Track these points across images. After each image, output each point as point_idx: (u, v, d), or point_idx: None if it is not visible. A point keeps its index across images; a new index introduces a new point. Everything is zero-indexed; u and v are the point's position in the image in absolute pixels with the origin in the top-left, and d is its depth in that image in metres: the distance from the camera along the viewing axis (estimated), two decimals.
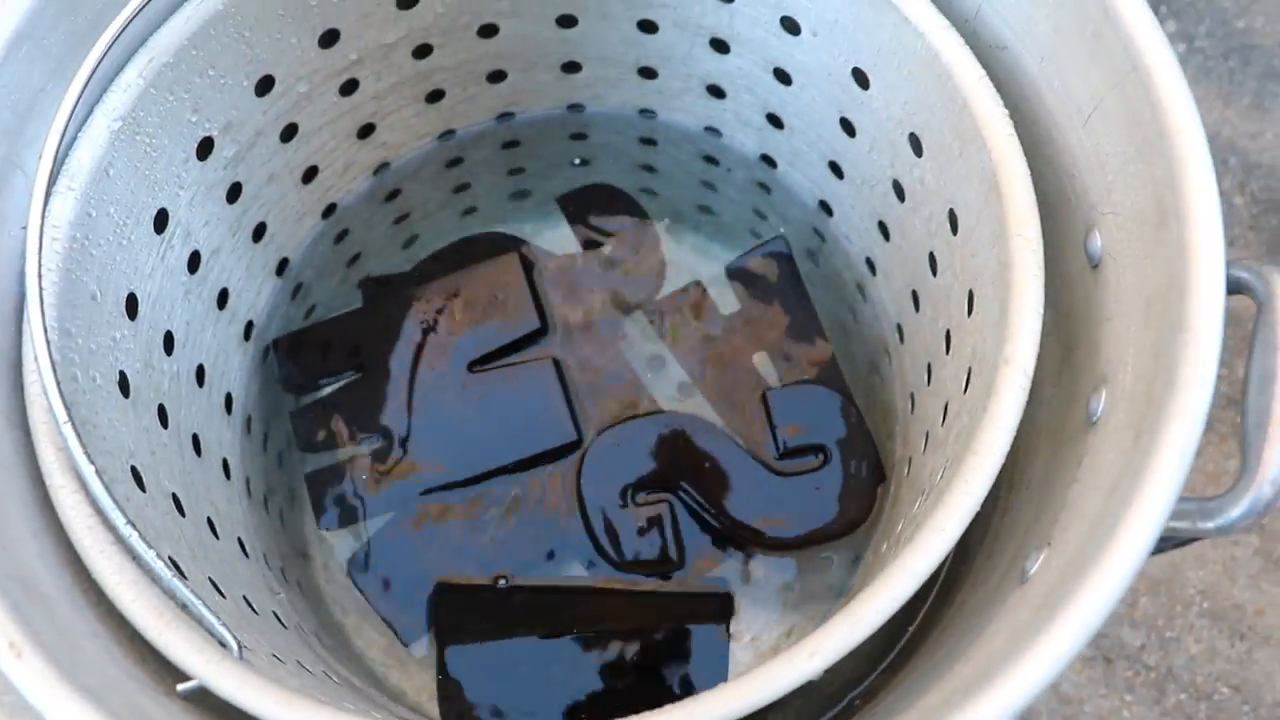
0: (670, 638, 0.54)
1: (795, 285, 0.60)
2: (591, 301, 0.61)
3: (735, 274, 0.61)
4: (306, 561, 0.59)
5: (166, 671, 0.38)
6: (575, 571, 0.57)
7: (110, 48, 0.42)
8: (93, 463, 0.38)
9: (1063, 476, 0.42)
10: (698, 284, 0.61)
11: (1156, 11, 1.04)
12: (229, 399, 0.55)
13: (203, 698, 0.38)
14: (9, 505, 0.37)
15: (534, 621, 0.55)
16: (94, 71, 0.42)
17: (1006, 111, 0.44)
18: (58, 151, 0.41)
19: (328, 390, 0.60)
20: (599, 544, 0.56)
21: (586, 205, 0.63)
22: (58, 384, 0.38)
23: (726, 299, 0.61)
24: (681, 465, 0.56)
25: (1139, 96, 0.39)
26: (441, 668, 0.55)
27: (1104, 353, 0.42)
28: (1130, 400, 0.39)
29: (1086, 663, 0.91)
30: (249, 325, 0.57)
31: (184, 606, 0.38)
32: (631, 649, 0.54)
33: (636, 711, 0.35)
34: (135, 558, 0.38)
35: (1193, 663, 0.91)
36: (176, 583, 0.38)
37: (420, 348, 0.59)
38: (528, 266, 0.60)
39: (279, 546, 0.57)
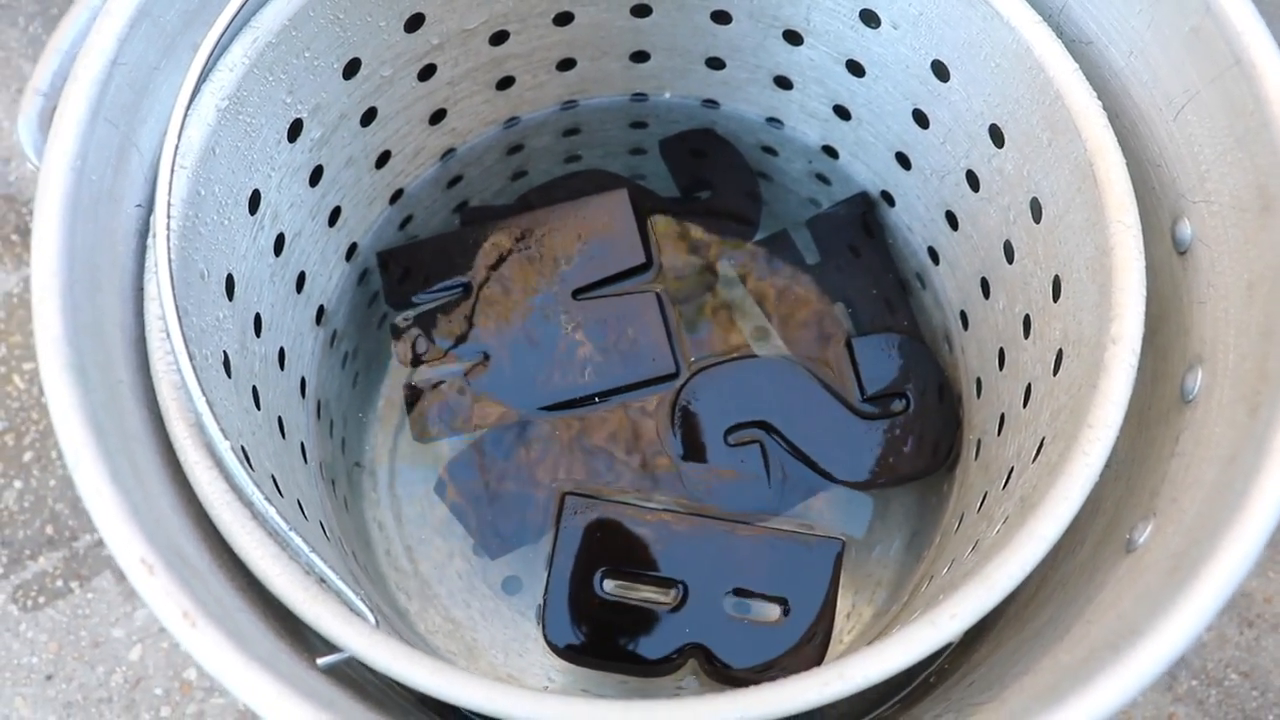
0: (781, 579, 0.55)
1: (877, 238, 0.62)
2: (688, 244, 0.63)
3: (816, 227, 0.62)
4: (369, 547, 0.60)
5: (302, 647, 0.38)
6: (667, 498, 0.58)
7: (228, 27, 0.42)
8: (227, 438, 0.38)
9: (1156, 451, 0.44)
10: (784, 233, 0.63)
11: None
12: (303, 383, 0.55)
13: (337, 671, 0.38)
14: (151, 481, 0.37)
15: (651, 547, 0.56)
16: (214, 51, 0.42)
17: (1100, 104, 0.45)
18: (181, 129, 0.41)
19: (427, 305, 0.61)
20: (690, 475, 0.58)
21: (687, 153, 0.65)
22: (192, 362, 0.38)
23: (810, 251, 0.63)
24: (772, 406, 0.58)
25: (1241, 89, 0.41)
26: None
27: (1196, 334, 0.44)
28: (1236, 377, 0.40)
29: None
30: (320, 310, 0.57)
31: (321, 580, 0.38)
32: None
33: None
34: (272, 534, 0.38)
35: (1203, 650, 0.94)
36: (314, 557, 0.38)
37: (526, 271, 0.60)
38: (635, 202, 0.61)
39: (346, 531, 0.57)
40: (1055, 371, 0.47)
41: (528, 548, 0.58)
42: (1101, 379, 0.41)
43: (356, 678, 0.40)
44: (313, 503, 0.52)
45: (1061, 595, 0.45)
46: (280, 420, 0.51)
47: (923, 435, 0.58)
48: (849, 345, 0.59)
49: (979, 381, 0.57)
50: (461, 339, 0.60)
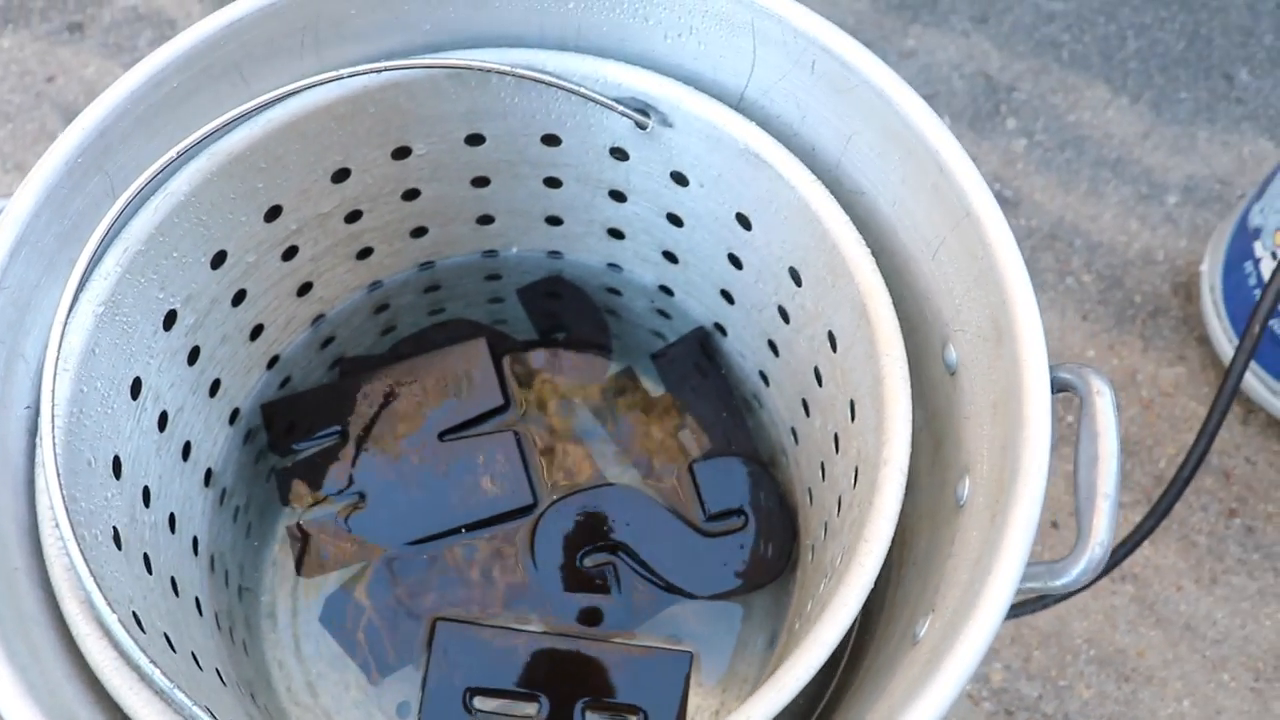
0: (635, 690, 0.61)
1: (714, 370, 0.69)
2: (545, 384, 0.69)
3: (660, 361, 0.69)
4: (270, 687, 0.64)
5: None
6: (529, 619, 0.64)
7: (99, 247, 0.48)
8: (114, 610, 0.43)
9: (940, 552, 0.51)
10: (629, 370, 0.70)
11: (998, 110, 1.18)
12: (195, 541, 0.61)
13: None
14: (46, 657, 0.42)
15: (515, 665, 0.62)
16: (87, 269, 0.48)
17: (869, 251, 0.52)
18: (61, 339, 0.47)
19: (308, 452, 0.67)
20: (549, 598, 0.64)
21: (542, 296, 0.72)
22: (78, 544, 0.44)
23: (654, 383, 0.70)
24: (623, 530, 0.65)
25: (972, 236, 0.48)
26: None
27: (965, 446, 0.51)
28: (987, 486, 0.47)
29: (990, 717, 1.00)
30: (209, 472, 0.63)
31: None
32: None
33: None
34: (159, 692, 0.43)
35: (1086, 707, 1.00)
36: (197, 710, 0.43)
37: (396, 417, 0.67)
38: (494, 349, 0.68)
39: (246, 674, 0.62)
40: (854, 485, 0.54)
41: (412, 670, 0.63)
42: (875, 496, 0.47)
43: None
44: (208, 652, 0.57)
45: (869, 686, 0.51)
46: (173, 580, 0.56)
47: (761, 547, 0.64)
48: (690, 469, 0.66)
49: (810, 491, 0.63)
50: (339, 481, 0.66)
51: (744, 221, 0.59)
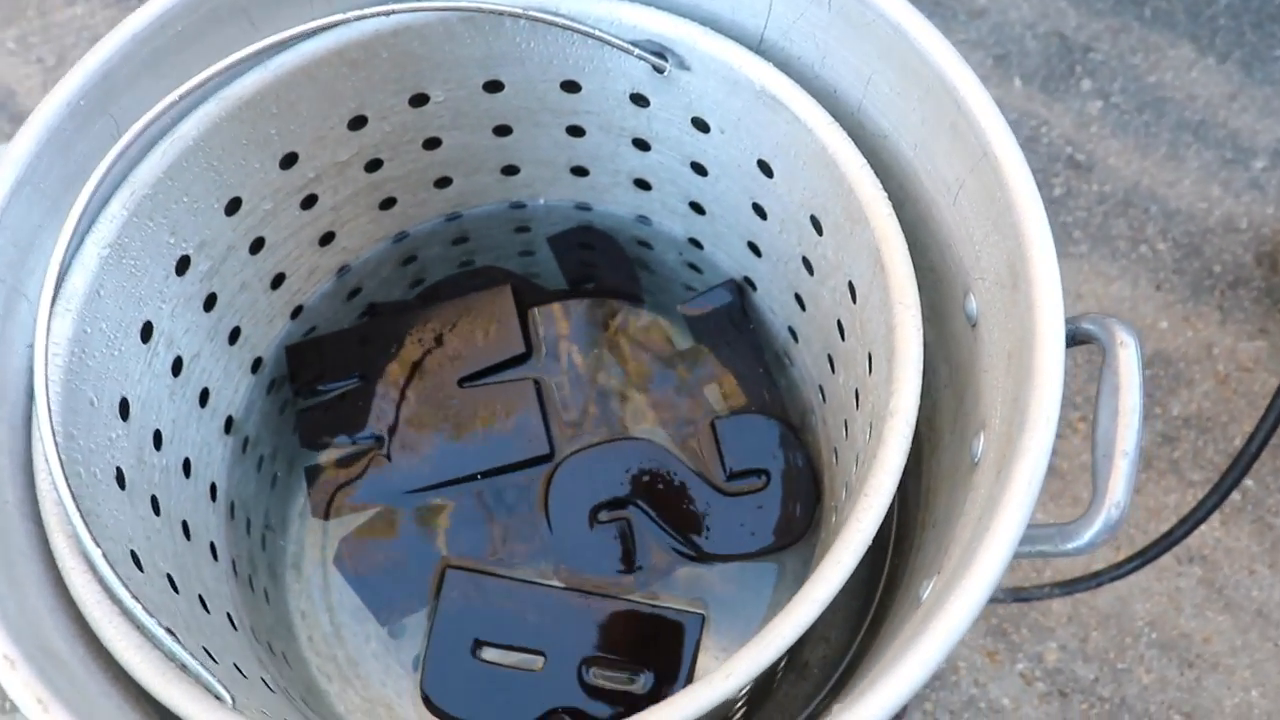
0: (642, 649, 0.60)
1: (744, 325, 0.67)
2: (572, 333, 0.68)
3: (689, 314, 0.68)
4: (291, 635, 0.64)
5: None
6: (542, 574, 0.63)
7: (97, 188, 0.48)
8: (99, 546, 0.43)
9: (954, 512, 0.48)
10: (657, 322, 0.69)
11: (1072, 71, 1.13)
12: (213, 488, 0.61)
13: None
14: (28, 587, 0.43)
15: (524, 615, 0.61)
16: (85, 209, 0.48)
17: (885, 194, 0.50)
18: (57, 279, 0.47)
19: (331, 394, 0.67)
20: (562, 551, 0.63)
21: (574, 246, 0.71)
22: (66, 480, 0.44)
23: (682, 336, 0.69)
24: (640, 485, 0.63)
25: (990, 178, 0.46)
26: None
27: (984, 401, 0.48)
28: (998, 441, 0.45)
29: (1043, 698, 0.96)
30: (229, 420, 0.63)
31: (183, 667, 0.43)
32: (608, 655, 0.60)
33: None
34: (139, 626, 0.43)
35: (1145, 692, 0.96)
36: (175, 645, 0.43)
37: (417, 362, 0.67)
38: (519, 297, 0.68)
39: (264, 621, 0.62)
40: (868, 440, 0.51)
41: (424, 618, 0.63)
42: (880, 449, 0.45)
43: None
44: (220, 596, 0.57)
45: (875, 653, 0.49)
46: (185, 524, 0.56)
47: (782, 509, 0.62)
48: (713, 426, 0.64)
49: (836, 451, 0.61)
50: (358, 424, 0.66)
51: (765, 168, 0.57)
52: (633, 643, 0.60)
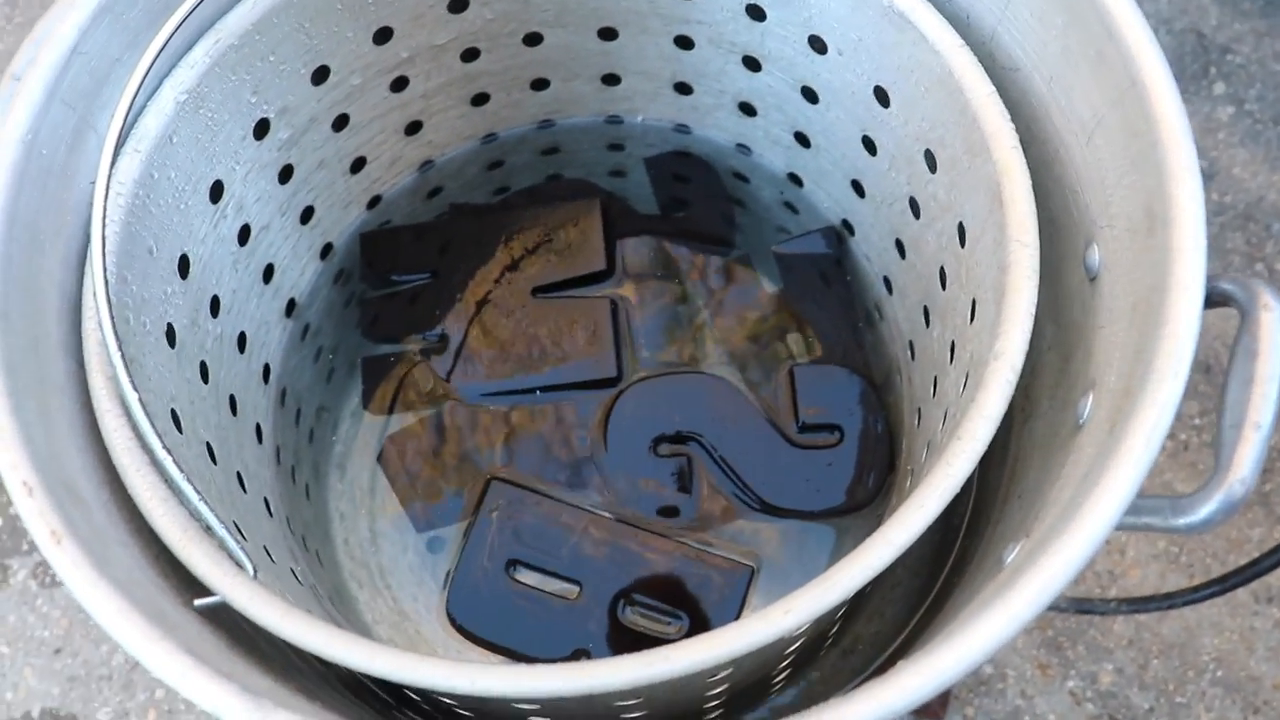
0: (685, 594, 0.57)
1: (837, 273, 0.63)
2: (655, 258, 0.65)
3: (781, 256, 0.64)
4: (327, 536, 0.62)
5: (186, 588, 0.40)
6: (590, 501, 0.60)
7: (180, 25, 0.46)
8: (136, 390, 0.41)
9: (1048, 478, 0.44)
10: (747, 260, 0.65)
11: (1206, 74, 1.07)
12: (267, 369, 0.59)
13: (216, 615, 0.40)
14: (59, 423, 0.40)
15: (565, 540, 0.58)
16: (164, 46, 0.45)
17: (1012, 125, 0.46)
18: (127, 116, 0.45)
19: (401, 287, 0.64)
20: (615, 480, 0.60)
21: (670, 174, 0.67)
22: (111, 319, 0.41)
23: (770, 280, 0.65)
24: (706, 423, 0.60)
25: (1136, 110, 0.42)
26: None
27: (1095, 359, 0.44)
28: (1112, 398, 0.41)
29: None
30: (291, 303, 0.60)
31: (207, 529, 0.41)
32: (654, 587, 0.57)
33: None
34: (167, 480, 0.41)
35: None
36: (202, 506, 0.41)
37: (493, 266, 0.64)
38: (607, 214, 0.64)
39: (302, 516, 0.60)
40: (962, 393, 0.48)
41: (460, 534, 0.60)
42: (979, 393, 0.41)
43: (247, 630, 0.42)
44: (259, 479, 0.55)
45: (945, 618, 0.46)
46: (233, 399, 0.54)
47: (851, 471, 0.58)
48: (790, 373, 0.60)
49: (919, 411, 0.57)
50: (423, 322, 0.63)
51: (882, 97, 0.53)
52: (676, 586, 0.57)
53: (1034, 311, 0.43)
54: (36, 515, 0.36)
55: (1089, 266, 0.46)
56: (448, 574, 0.60)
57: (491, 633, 0.58)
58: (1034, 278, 0.43)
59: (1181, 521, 0.39)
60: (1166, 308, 0.38)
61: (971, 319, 0.48)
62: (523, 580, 0.58)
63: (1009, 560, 0.41)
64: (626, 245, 0.65)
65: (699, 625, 0.57)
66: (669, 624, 0.57)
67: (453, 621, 0.58)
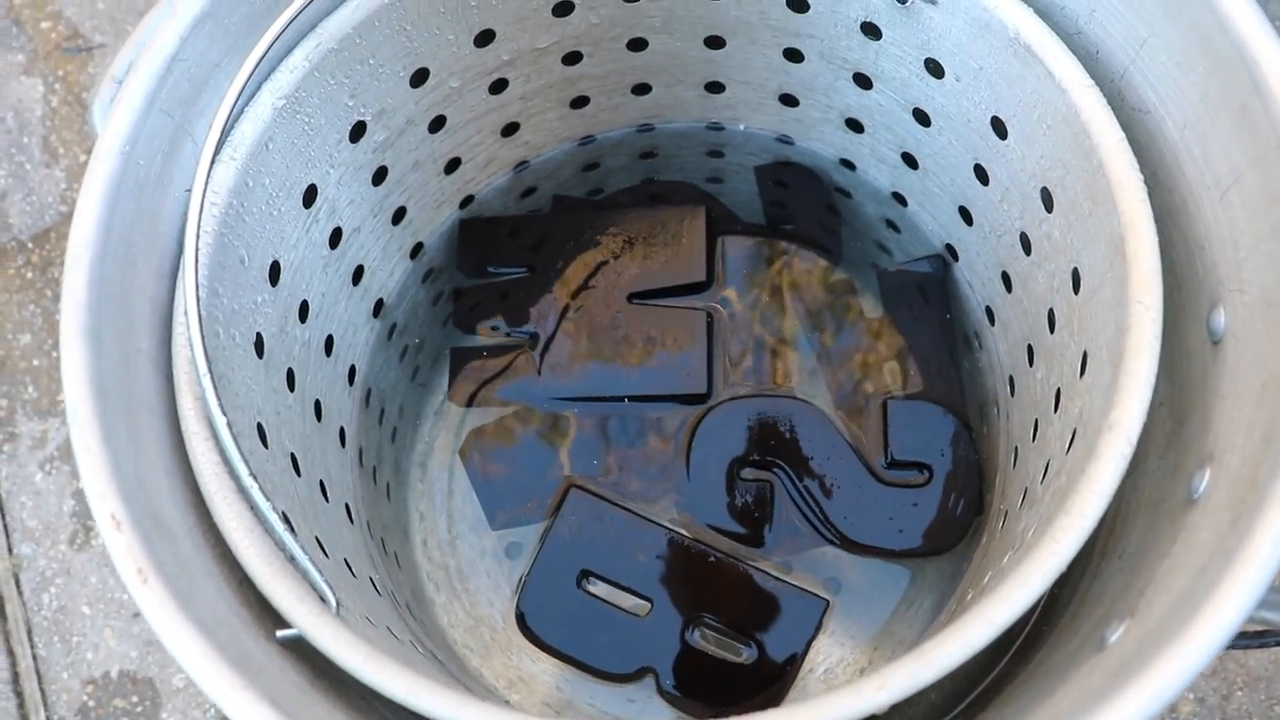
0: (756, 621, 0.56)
1: (940, 304, 0.61)
2: (756, 271, 0.63)
3: (886, 280, 0.62)
4: (406, 536, 0.62)
5: (268, 618, 0.40)
6: (667, 517, 0.59)
7: (284, 30, 0.45)
8: (225, 414, 0.40)
9: (1156, 550, 0.42)
10: (849, 282, 0.63)
11: None
12: (352, 371, 0.58)
13: (298, 646, 0.40)
14: (147, 444, 0.40)
15: (639, 555, 0.57)
16: (267, 51, 0.45)
17: (1141, 176, 0.44)
18: (226, 123, 0.44)
19: (497, 279, 0.63)
20: (695, 499, 0.59)
21: (775, 182, 0.65)
22: (202, 338, 0.41)
23: (871, 304, 0.63)
24: (791, 449, 0.58)
25: None
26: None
27: (1213, 431, 0.42)
28: (1234, 482, 0.38)
29: None
30: (379, 303, 0.60)
31: (291, 559, 0.40)
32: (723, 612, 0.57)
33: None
34: (253, 507, 0.40)
35: None
36: (287, 536, 0.40)
37: (591, 266, 0.62)
38: (710, 221, 0.63)
39: (382, 518, 0.60)
40: (1068, 450, 0.46)
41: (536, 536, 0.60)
42: (1091, 464, 0.40)
43: (316, 655, 0.42)
44: (341, 485, 0.55)
45: (1036, 685, 0.44)
46: (318, 404, 0.54)
47: (939, 512, 0.57)
48: (884, 406, 0.58)
49: (1016, 451, 0.55)
50: (515, 317, 0.62)
51: (999, 128, 0.50)
52: (747, 612, 0.56)
53: (1154, 380, 0.41)
54: (124, 552, 0.35)
55: (1213, 330, 0.44)
56: (521, 578, 0.60)
57: (558, 640, 0.57)
58: (1156, 344, 0.41)
59: None
60: None
61: (1082, 373, 0.46)
62: (594, 592, 0.58)
63: (1111, 640, 0.39)
64: (729, 254, 0.63)
65: (768, 653, 0.56)
66: (739, 651, 0.56)
67: (521, 626, 0.58)
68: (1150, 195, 0.44)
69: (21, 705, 0.81)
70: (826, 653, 0.58)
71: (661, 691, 0.56)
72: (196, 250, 0.42)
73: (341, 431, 0.56)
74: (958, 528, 0.57)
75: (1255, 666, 0.89)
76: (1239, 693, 0.89)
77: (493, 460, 0.61)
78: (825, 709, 0.36)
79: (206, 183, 0.44)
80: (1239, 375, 0.41)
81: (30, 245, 0.87)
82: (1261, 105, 0.40)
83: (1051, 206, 0.49)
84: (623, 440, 0.60)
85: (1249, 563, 0.33)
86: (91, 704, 0.82)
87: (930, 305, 0.61)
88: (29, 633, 0.82)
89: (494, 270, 0.63)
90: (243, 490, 0.41)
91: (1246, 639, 0.68)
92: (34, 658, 0.82)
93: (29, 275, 0.87)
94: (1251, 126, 0.41)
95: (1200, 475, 0.41)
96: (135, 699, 0.82)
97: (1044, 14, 0.47)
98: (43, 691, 0.81)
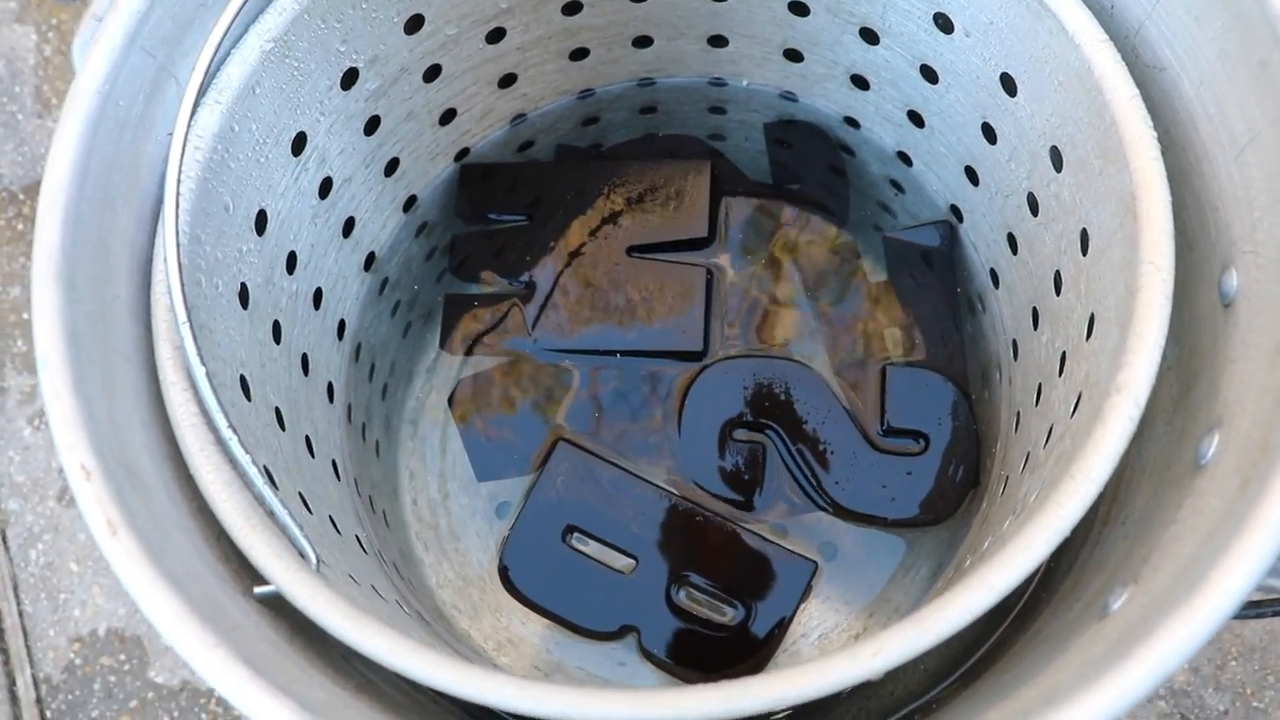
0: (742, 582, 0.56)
1: (946, 272, 0.60)
2: (760, 229, 0.62)
3: (891, 246, 0.61)
4: (395, 495, 0.61)
5: (246, 573, 0.39)
6: (656, 475, 0.58)
7: None
8: (204, 364, 0.39)
9: (1161, 517, 0.41)
10: (852, 245, 0.62)
11: None
12: (341, 325, 0.57)
13: (277, 604, 0.39)
14: (123, 394, 0.39)
15: (626, 512, 0.57)
16: None
17: (1155, 134, 0.42)
18: (210, 65, 0.43)
19: (496, 226, 0.62)
20: (686, 458, 0.58)
21: (785, 140, 0.64)
22: (182, 285, 0.40)
23: (876, 267, 0.62)
24: (785, 413, 0.57)
25: None
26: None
27: (1223, 395, 0.41)
28: (1244, 446, 0.37)
29: (1164, 718, 0.88)
30: (370, 256, 0.58)
31: (270, 514, 0.39)
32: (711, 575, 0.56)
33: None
34: (232, 461, 0.39)
35: None
36: (266, 490, 0.39)
37: (592, 217, 0.61)
38: (715, 177, 0.61)
39: (370, 475, 0.59)
40: (1073, 414, 0.44)
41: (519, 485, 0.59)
42: (1097, 427, 0.38)
43: (295, 613, 0.41)
44: (328, 441, 0.53)
45: (1035, 652, 0.43)
46: (305, 357, 0.52)
47: (931, 483, 0.56)
48: (883, 372, 0.57)
49: (1018, 415, 0.54)
50: (513, 265, 0.61)
51: (1009, 84, 0.49)
52: (734, 572, 0.55)
53: (1163, 343, 0.39)
54: (93, 502, 0.34)
55: (1224, 291, 0.42)
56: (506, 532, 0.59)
57: (541, 596, 0.57)
58: (1166, 305, 0.40)
59: None
60: None
61: (1088, 335, 0.45)
62: (579, 548, 0.57)
63: (1114, 607, 0.38)
64: (732, 211, 0.62)
65: (753, 615, 0.55)
66: (723, 611, 0.56)
67: (504, 580, 0.57)
68: (1164, 155, 0.43)
69: (7, 662, 0.80)
70: (821, 618, 0.58)
71: (644, 651, 0.55)
72: (177, 195, 0.41)
73: (330, 387, 0.55)
74: (953, 499, 0.56)
75: (1250, 636, 0.89)
76: (1233, 662, 0.88)
77: (482, 409, 0.60)
78: (819, 673, 0.35)
79: (189, 126, 0.42)
80: (1250, 338, 0.40)
81: (22, 196, 0.86)
82: None
83: (1061, 166, 0.47)
84: (614, 396, 0.59)
85: (1259, 528, 0.32)
86: (78, 661, 0.81)
87: (935, 272, 0.60)
88: (15, 589, 0.81)
89: (493, 217, 0.62)
90: (221, 443, 0.39)
91: (1249, 608, 0.67)
92: (20, 614, 0.81)
93: (20, 227, 0.85)
94: (1271, 83, 0.39)
95: (1209, 440, 0.40)
96: (123, 657, 0.81)
97: None
98: (29, 648, 0.80)
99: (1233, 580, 0.32)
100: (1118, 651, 0.33)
